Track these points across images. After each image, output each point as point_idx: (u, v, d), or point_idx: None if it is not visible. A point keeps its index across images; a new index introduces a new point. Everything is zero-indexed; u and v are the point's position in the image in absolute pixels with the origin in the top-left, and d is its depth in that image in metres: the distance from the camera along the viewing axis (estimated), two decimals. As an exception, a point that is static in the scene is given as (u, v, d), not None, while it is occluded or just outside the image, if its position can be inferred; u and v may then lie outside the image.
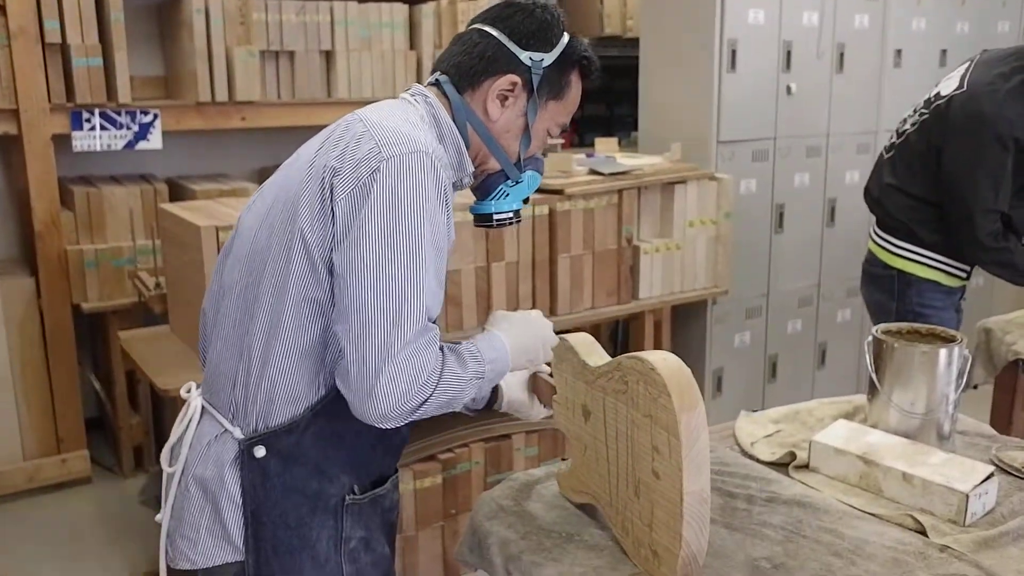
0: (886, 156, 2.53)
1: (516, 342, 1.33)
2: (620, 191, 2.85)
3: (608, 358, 1.31)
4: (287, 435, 1.24)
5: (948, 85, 2.36)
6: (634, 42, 3.70)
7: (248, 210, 1.37)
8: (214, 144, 3.77)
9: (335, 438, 1.27)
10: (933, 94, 2.40)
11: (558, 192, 2.72)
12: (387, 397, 1.13)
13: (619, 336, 3.79)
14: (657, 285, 3.02)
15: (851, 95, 3.55)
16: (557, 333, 1.42)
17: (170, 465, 1.31)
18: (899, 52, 3.66)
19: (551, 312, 2.76)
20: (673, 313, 3.19)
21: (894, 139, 2.51)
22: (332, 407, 1.25)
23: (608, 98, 5.15)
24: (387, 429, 1.24)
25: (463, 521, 2.37)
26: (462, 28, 1.50)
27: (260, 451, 1.24)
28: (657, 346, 3.13)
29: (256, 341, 1.24)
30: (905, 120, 2.49)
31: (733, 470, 1.55)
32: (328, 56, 3.57)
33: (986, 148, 2.23)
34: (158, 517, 1.32)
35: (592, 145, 3.46)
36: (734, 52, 3.18)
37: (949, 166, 2.30)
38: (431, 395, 1.17)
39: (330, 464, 1.27)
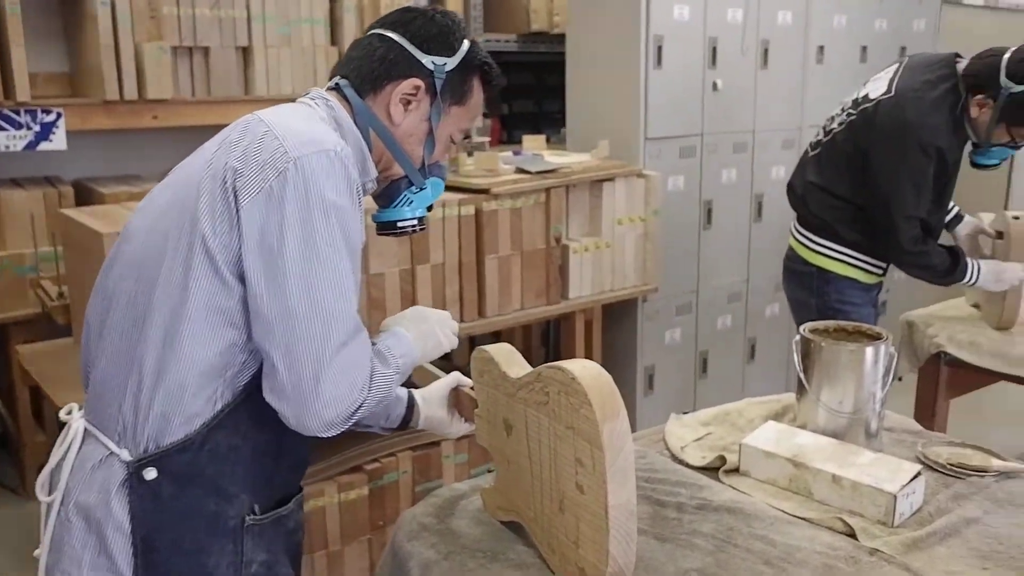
0: (811, 153, 2.53)
1: (416, 332, 1.32)
2: (548, 190, 2.80)
3: (529, 368, 1.25)
4: (180, 454, 1.16)
5: (877, 87, 2.36)
6: (561, 38, 3.66)
7: (137, 214, 1.28)
8: (125, 144, 3.59)
9: (233, 454, 1.19)
10: (862, 95, 2.40)
11: (484, 191, 2.65)
12: (329, 404, 1.11)
13: (551, 337, 3.75)
14: (587, 284, 2.98)
15: (776, 91, 3.57)
16: (482, 343, 1.38)
17: (48, 494, 1.20)
18: (821, 48, 3.71)
19: (479, 314, 2.70)
20: (604, 312, 3.16)
21: (820, 136, 2.51)
22: (229, 422, 1.17)
23: (536, 94, 5.10)
24: (287, 444, 1.20)
25: (391, 533, 2.29)
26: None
27: (151, 473, 1.15)
28: (588, 345, 3.09)
29: (148, 354, 1.15)
30: (833, 119, 2.48)
31: (663, 476, 1.50)
32: (245, 52, 3.44)
33: (909, 154, 2.24)
34: (36, 552, 1.20)
35: (520, 142, 3.41)
36: (660, 48, 3.17)
37: (874, 170, 2.31)
38: (368, 396, 1.14)
39: (228, 483, 1.19)
